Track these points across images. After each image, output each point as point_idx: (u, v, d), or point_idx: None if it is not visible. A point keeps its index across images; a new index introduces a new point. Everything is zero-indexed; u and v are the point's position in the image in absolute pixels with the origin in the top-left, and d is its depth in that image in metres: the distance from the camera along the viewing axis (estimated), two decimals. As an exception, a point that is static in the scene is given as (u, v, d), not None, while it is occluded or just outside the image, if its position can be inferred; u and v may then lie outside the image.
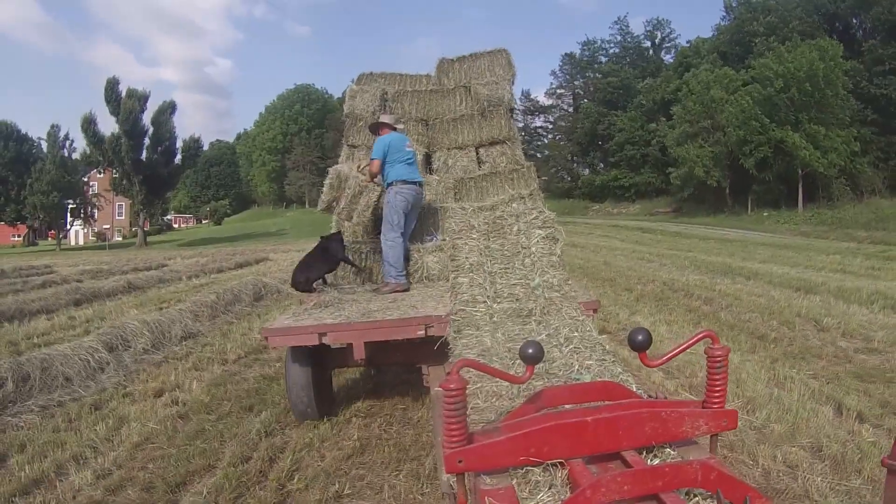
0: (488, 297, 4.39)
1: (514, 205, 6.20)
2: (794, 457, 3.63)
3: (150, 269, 20.76)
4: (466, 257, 5.03)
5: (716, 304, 9.10)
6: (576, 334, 3.50)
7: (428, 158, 8.18)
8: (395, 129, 6.12)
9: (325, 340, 4.19)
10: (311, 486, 3.69)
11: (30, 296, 12.99)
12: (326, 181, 6.30)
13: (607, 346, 3.28)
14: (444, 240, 6.03)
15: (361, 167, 6.27)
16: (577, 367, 2.96)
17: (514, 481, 1.78)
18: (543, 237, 5.17)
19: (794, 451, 3.69)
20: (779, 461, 3.61)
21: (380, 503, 3.44)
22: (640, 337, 1.94)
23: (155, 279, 16.66)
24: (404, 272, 5.73)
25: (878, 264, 14.23)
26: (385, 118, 6.29)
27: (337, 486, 3.67)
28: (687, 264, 14.68)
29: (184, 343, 7.92)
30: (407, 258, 5.99)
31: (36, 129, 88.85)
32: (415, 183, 5.86)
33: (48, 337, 8.93)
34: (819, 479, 3.34)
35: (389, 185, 5.81)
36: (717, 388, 1.95)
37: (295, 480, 3.78)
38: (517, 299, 4.34)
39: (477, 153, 8.22)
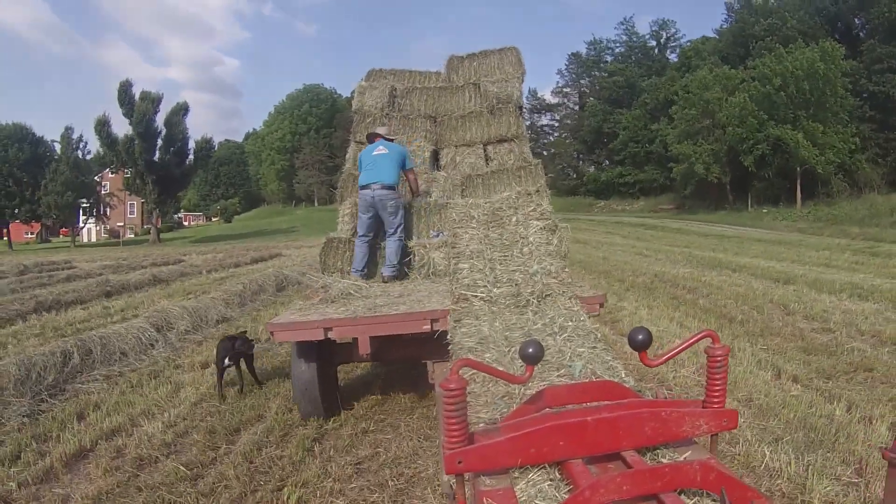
0: (488, 282, 4.51)
1: (514, 197, 6.21)
2: (727, 405, 4.51)
3: (168, 263, 21.68)
4: (467, 245, 5.17)
5: (697, 293, 9.95)
6: (570, 324, 3.64)
7: (436, 155, 8.25)
8: (385, 139, 6.41)
9: (331, 335, 4.23)
10: (343, 425, 4.69)
11: (56, 289, 13.90)
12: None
13: (599, 335, 3.46)
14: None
15: None
16: (569, 354, 3.09)
17: (513, 482, 1.81)
18: (541, 228, 5.30)
19: (727, 401, 4.58)
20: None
21: (398, 436, 4.39)
22: (640, 336, 1.95)
23: (177, 273, 17.65)
24: (358, 268, 6.02)
25: (863, 259, 14.83)
26: (379, 129, 6.63)
27: (364, 424, 4.68)
28: (680, 259, 15.50)
29: (219, 325, 8.88)
30: (403, 254, 6.14)
31: (46, 126, 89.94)
32: (367, 186, 6.03)
33: (88, 324, 9.84)
34: (742, 420, 4.23)
35: None
36: (717, 388, 2.00)
37: (330, 423, 4.77)
38: (516, 284, 4.44)
39: (485, 150, 8.27)
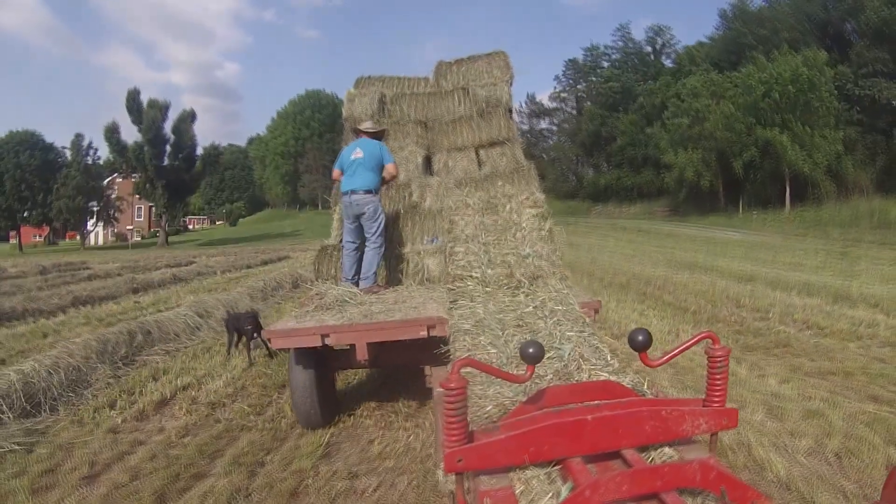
0: (482, 263, 4.65)
1: (506, 187, 6.36)
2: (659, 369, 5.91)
3: (181, 265, 23.03)
4: (462, 230, 5.24)
5: (664, 289, 11.32)
6: (559, 307, 3.76)
7: (428, 161, 8.17)
8: (368, 135, 6.34)
9: (328, 342, 4.24)
10: (362, 388, 6.15)
11: (83, 286, 15.32)
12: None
13: (587, 319, 3.62)
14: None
15: None
16: (558, 337, 3.21)
17: (512, 481, 1.82)
18: (534, 215, 5.35)
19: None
20: (648, 370, 5.89)
21: (406, 391, 5.79)
22: (640, 337, 1.98)
23: (194, 273, 19.07)
24: (348, 276, 6.03)
25: (832, 261, 16.03)
26: (363, 125, 6.52)
27: (380, 388, 6.12)
28: (661, 261, 16.83)
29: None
30: (379, 264, 6.09)
31: (48, 127, 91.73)
32: (347, 193, 5.99)
33: (125, 315, 11.12)
34: (664, 377, 5.64)
35: None
36: (718, 388, 2.03)
37: (355, 381, 6.25)
38: (509, 266, 4.54)
39: (477, 154, 8.21)
